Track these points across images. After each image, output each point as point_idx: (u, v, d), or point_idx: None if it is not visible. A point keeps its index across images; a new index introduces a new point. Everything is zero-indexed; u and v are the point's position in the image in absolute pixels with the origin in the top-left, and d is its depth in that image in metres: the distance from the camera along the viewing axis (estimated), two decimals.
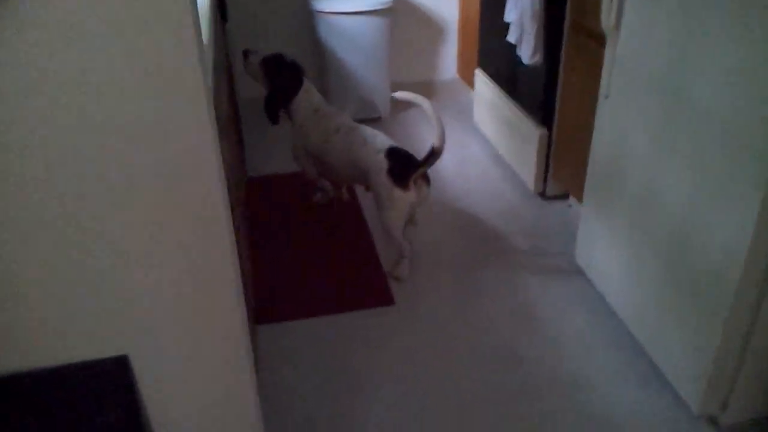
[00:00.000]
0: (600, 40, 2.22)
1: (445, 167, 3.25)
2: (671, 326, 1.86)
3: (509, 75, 3.05)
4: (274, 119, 2.70)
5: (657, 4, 1.78)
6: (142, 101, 0.79)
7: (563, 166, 2.75)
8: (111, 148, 0.81)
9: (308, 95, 2.68)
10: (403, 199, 2.37)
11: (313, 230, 2.78)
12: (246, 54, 2.76)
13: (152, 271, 0.90)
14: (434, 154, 2.34)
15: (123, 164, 0.82)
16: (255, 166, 3.28)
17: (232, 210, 1.51)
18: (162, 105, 0.79)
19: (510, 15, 2.78)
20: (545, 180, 2.92)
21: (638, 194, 1.96)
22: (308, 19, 3.63)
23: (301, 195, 3.01)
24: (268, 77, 2.71)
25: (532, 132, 2.83)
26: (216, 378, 1.00)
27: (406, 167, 2.37)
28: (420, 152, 2.43)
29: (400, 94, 2.47)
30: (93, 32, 0.74)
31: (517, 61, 2.80)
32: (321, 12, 3.42)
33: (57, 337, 0.90)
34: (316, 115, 2.65)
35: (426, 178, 2.44)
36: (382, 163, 2.38)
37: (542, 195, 2.98)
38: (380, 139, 2.49)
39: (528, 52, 2.66)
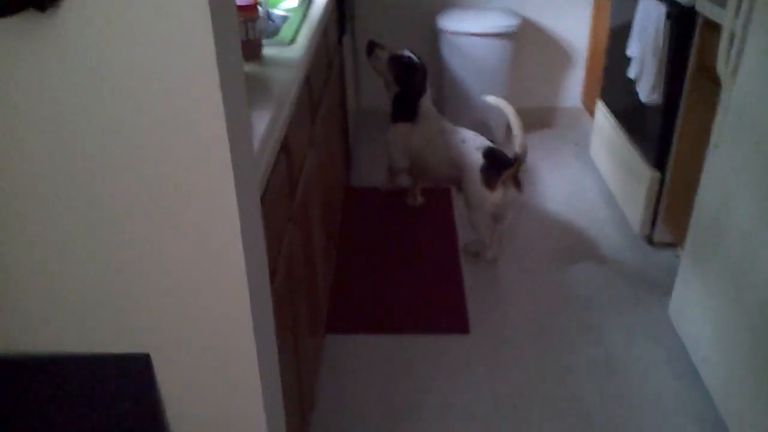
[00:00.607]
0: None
1: (553, 197, 3.16)
2: (760, 409, 1.70)
3: (628, 111, 2.92)
4: (410, 115, 2.74)
5: None
6: (156, 107, 0.83)
7: (673, 213, 2.59)
8: (144, 150, 0.86)
9: (425, 98, 2.75)
10: (488, 198, 2.51)
11: (401, 245, 2.80)
12: (371, 46, 2.77)
13: (172, 275, 0.95)
14: (517, 160, 2.47)
15: (143, 169, 0.87)
16: (361, 177, 3.33)
17: (293, 218, 1.55)
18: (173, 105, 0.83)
19: (632, 49, 2.66)
20: (653, 225, 2.76)
21: (739, 255, 1.82)
22: (432, 36, 3.66)
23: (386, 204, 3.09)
24: (397, 76, 2.74)
25: (644, 173, 2.69)
26: (230, 380, 1.04)
27: (498, 167, 2.49)
28: (531, 182, 2.41)
29: (489, 99, 2.66)
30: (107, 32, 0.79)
31: (637, 97, 2.67)
32: (446, 31, 3.43)
33: (87, 327, 0.97)
34: (425, 118, 2.73)
35: (518, 183, 2.53)
36: (478, 160, 2.53)
37: (649, 240, 2.82)
38: (480, 140, 2.64)
39: (646, 89, 2.53)
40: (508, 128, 3.74)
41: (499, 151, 2.58)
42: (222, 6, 0.84)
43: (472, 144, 2.61)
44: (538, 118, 3.92)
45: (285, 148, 1.44)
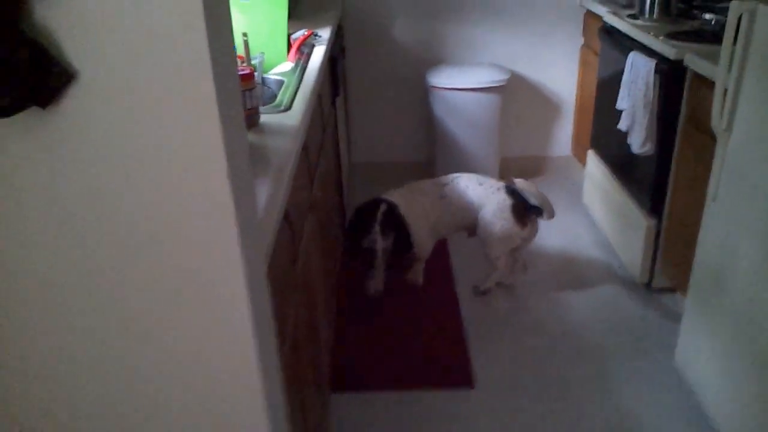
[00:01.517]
0: (715, 138, 2.10)
1: (548, 246, 3.16)
2: None
3: (621, 161, 2.94)
4: (408, 247, 2.67)
5: None
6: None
7: (671, 260, 2.59)
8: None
9: (410, 211, 2.67)
10: (518, 233, 2.67)
11: (403, 299, 2.77)
12: (368, 251, 2.63)
13: (184, 375, 0.93)
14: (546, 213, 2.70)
15: (151, 257, 0.86)
16: None
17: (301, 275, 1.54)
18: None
19: (622, 103, 2.70)
20: (652, 271, 2.76)
21: (743, 306, 1.81)
22: (422, 92, 3.71)
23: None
24: (395, 234, 2.63)
25: (640, 221, 2.70)
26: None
27: (526, 206, 2.67)
28: None
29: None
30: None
31: (629, 148, 2.70)
32: (436, 87, 3.48)
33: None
34: (422, 207, 2.71)
35: (538, 214, 2.72)
36: (506, 200, 2.66)
37: (648, 287, 2.82)
38: (493, 180, 2.77)
39: (638, 141, 2.56)
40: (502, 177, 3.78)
41: (516, 189, 2.72)
42: (226, 80, 0.84)
43: (490, 186, 2.72)
44: (528, 168, 3.95)
45: (286, 216, 1.43)
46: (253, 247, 0.98)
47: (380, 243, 2.60)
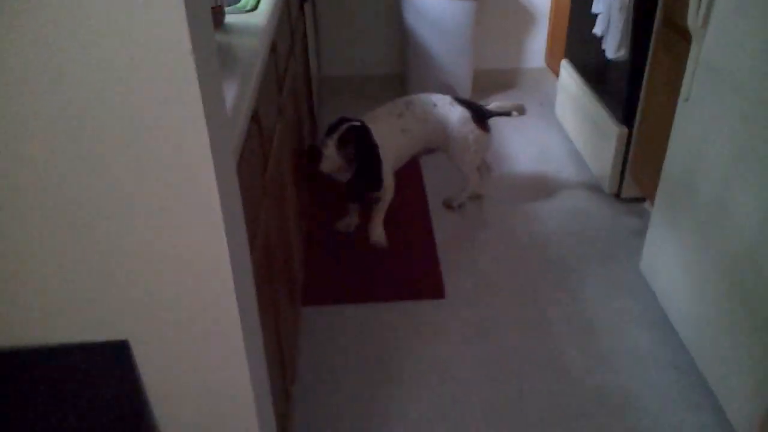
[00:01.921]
0: (691, 39, 2.07)
1: (519, 159, 3.16)
2: (733, 354, 1.73)
3: (594, 69, 2.91)
4: (376, 185, 2.44)
5: (749, 6, 1.63)
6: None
7: (641, 168, 2.61)
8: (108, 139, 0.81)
9: (378, 137, 2.43)
10: (486, 138, 2.69)
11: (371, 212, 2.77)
12: (317, 153, 2.32)
13: (152, 260, 0.91)
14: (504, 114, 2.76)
15: (119, 145, 0.82)
16: None
17: (269, 187, 1.51)
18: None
19: (598, 6, 2.64)
20: (621, 181, 2.78)
21: (710, 206, 1.83)
22: (394, 1, 3.59)
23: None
24: (356, 154, 2.37)
25: (611, 130, 2.70)
26: (216, 366, 1.01)
27: (483, 113, 2.69)
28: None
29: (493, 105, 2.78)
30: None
31: (603, 54, 2.66)
32: None
33: (58, 316, 0.93)
34: (384, 139, 2.46)
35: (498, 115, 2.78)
36: (464, 113, 2.63)
37: (617, 197, 2.84)
38: (441, 96, 2.68)
39: (613, 46, 2.53)
40: (474, 90, 3.74)
41: (465, 99, 2.75)
42: None
43: (444, 102, 2.65)
44: (501, 80, 3.90)
45: (255, 118, 1.39)
46: (221, 139, 0.94)
47: (331, 156, 2.31)
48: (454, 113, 2.63)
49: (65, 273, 0.91)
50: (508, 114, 2.77)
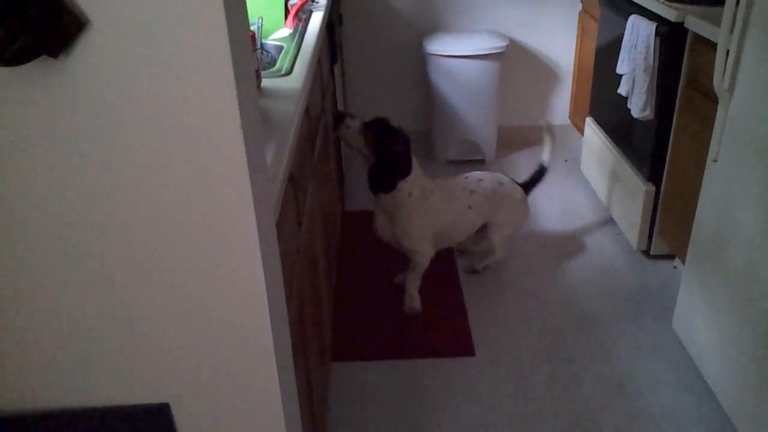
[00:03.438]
0: (716, 99, 2.10)
1: (546, 216, 3.17)
2: None
3: (620, 127, 2.94)
4: (386, 187, 2.36)
5: None
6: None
7: (670, 226, 2.60)
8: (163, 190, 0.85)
9: (419, 174, 2.40)
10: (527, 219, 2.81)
11: (400, 268, 2.78)
12: (341, 117, 2.40)
13: (194, 323, 0.93)
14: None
15: (162, 204, 0.85)
16: (354, 200, 3.32)
17: (303, 247, 1.54)
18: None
19: (622, 67, 2.68)
20: (650, 238, 2.77)
21: (742, 267, 1.82)
22: (420, 60, 3.68)
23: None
24: (375, 145, 2.37)
25: (638, 187, 2.71)
26: (254, 428, 1.01)
27: (528, 190, 2.77)
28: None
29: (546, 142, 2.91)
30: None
31: (628, 113, 2.69)
32: (433, 54, 3.45)
33: (100, 379, 0.95)
34: (434, 197, 2.45)
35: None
36: (523, 194, 2.71)
37: (646, 253, 2.83)
38: (504, 176, 2.73)
39: (638, 106, 2.56)
40: (499, 148, 3.78)
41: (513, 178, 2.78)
42: (238, 30, 0.82)
43: (508, 182, 2.70)
44: (526, 136, 3.94)
45: (291, 180, 1.43)
46: (264, 202, 0.97)
47: (353, 129, 2.36)
48: (516, 193, 2.67)
49: (108, 336, 0.93)
50: (541, 175, 2.84)
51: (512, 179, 2.73)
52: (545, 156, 2.86)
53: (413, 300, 2.52)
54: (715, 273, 1.99)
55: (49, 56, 0.73)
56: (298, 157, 1.57)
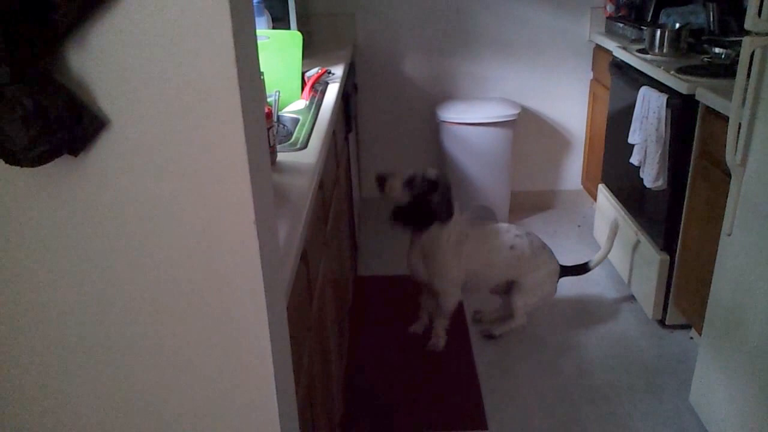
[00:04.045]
0: (729, 171, 2.10)
1: (560, 282, 3.14)
2: None
3: (632, 195, 2.94)
4: (425, 226, 2.49)
5: None
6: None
7: (685, 296, 2.57)
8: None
9: (459, 220, 2.54)
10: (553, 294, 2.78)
11: (413, 336, 2.76)
12: (383, 180, 2.51)
13: (203, 411, 0.92)
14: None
15: (178, 299, 0.85)
16: (367, 265, 3.32)
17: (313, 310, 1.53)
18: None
19: (634, 137, 2.70)
20: (665, 308, 2.74)
21: (760, 342, 1.79)
22: (433, 127, 3.73)
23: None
24: (417, 197, 2.48)
25: (653, 256, 2.69)
26: None
27: (565, 272, 2.80)
28: None
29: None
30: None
31: (641, 182, 2.70)
32: (446, 122, 3.50)
33: None
34: (469, 240, 2.56)
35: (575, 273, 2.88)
36: (557, 267, 2.74)
37: (662, 323, 2.79)
38: (544, 250, 2.73)
39: (651, 176, 2.56)
40: (512, 214, 3.78)
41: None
42: (255, 127, 0.84)
43: (548, 249, 2.73)
44: (539, 202, 3.95)
45: (303, 258, 1.43)
46: (275, 287, 0.98)
47: (396, 188, 2.48)
48: (548, 263, 2.70)
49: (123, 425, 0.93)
50: (581, 271, 2.87)
51: (551, 252, 2.75)
52: (596, 259, 2.87)
53: (439, 339, 2.67)
54: (733, 346, 1.95)
55: (69, 154, 0.75)
56: (311, 231, 1.58)
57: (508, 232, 2.67)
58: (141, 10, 0.72)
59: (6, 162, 0.71)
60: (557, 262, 2.75)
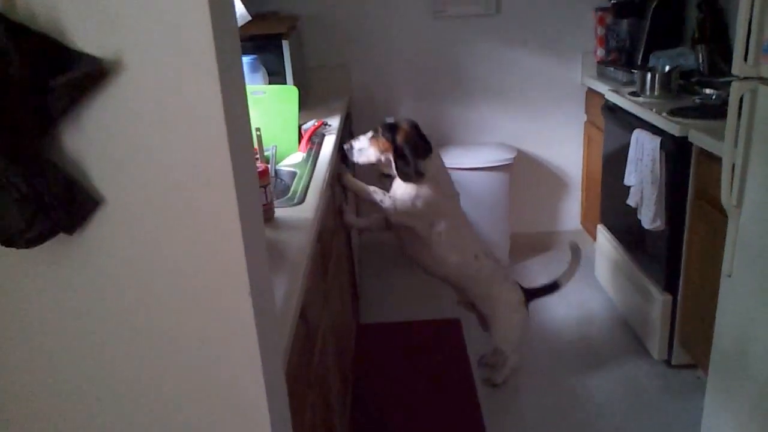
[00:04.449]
0: (725, 211, 2.11)
1: (562, 324, 3.13)
2: None
3: (632, 236, 2.95)
4: (417, 172, 2.47)
5: None
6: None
7: (690, 336, 2.56)
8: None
9: (440, 162, 2.60)
10: (527, 321, 2.71)
11: (416, 379, 2.73)
12: (343, 150, 2.55)
13: None
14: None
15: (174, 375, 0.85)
16: (368, 312, 3.31)
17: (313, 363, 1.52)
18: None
19: (630, 179, 2.72)
20: (670, 348, 2.71)
21: (766, 384, 1.77)
22: None
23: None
24: (389, 141, 2.48)
25: (655, 296, 2.68)
26: None
27: (530, 292, 2.74)
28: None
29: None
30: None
31: (639, 222, 2.71)
32: None
33: None
34: (447, 207, 2.59)
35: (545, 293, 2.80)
36: (520, 294, 2.67)
37: (667, 363, 2.76)
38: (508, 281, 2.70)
39: (648, 218, 2.57)
40: (512, 256, 3.78)
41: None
42: (247, 195, 0.85)
43: (509, 277, 2.71)
44: (538, 243, 3.96)
45: (303, 316, 1.43)
46: (272, 349, 0.97)
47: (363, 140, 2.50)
48: (511, 293, 2.65)
49: None
50: (552, 290, 2.78)
51: (512, 280, 2.72)
52: (565, 276, 2.80)
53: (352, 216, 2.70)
54: (740, 387, 1.93)
55: (64, 233, 0.76)
56: (310, 286, 1.58)
57: (481, 247, 2.64)
58: (133, 90, 0.74)
59: (2, 245, 0.72)
60: (520, 290, 2.68)
